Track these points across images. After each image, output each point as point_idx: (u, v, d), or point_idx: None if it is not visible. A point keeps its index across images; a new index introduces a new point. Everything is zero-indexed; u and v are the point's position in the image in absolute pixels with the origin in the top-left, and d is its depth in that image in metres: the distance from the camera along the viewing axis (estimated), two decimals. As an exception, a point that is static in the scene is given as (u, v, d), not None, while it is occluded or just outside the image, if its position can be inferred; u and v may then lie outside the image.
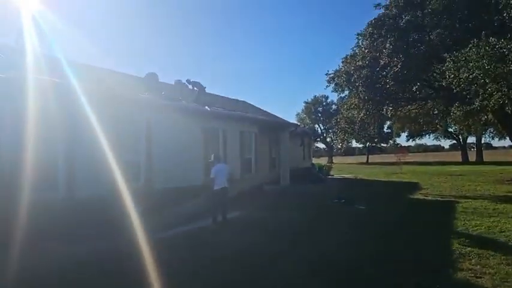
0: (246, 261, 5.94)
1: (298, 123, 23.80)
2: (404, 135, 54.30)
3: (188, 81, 15.26)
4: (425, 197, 13.80)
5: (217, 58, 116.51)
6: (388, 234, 7.64)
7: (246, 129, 15.33)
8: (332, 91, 21.78)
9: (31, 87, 7.23)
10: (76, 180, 7.95)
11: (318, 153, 66.69)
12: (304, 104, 67.77)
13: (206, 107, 12.87)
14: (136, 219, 7.03)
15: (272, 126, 18.85)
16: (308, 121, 66.01)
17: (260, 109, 29.52)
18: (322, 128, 66.13)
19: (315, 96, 66.18)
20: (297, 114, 70.01)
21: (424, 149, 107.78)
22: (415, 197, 14.14)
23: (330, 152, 66.54)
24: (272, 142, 19.91)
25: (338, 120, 32.09)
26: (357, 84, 17.53)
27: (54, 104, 7.46)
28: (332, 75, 20.86)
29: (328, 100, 65.17)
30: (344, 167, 38.94)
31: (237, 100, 27.95)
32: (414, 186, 17.60)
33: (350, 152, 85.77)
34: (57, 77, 8.08)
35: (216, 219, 8.73)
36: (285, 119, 23.43)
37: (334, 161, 54.49)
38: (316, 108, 66.52)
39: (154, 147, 10.23)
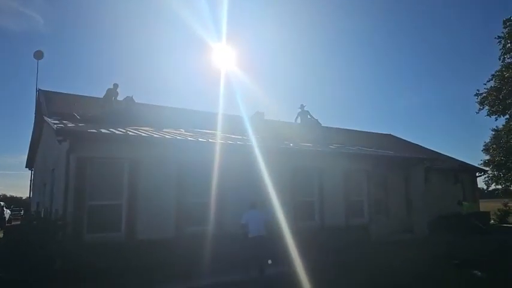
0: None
1: (436, 157, 19.18)
2: None
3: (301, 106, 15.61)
4: None
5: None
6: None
7: (353, 166, 13.39)
8: (486, 115, 16.95)
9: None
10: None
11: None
12: (492, 133, 55.46)
13: (290, 144, 11.94)
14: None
15: (398, 163, 15.93)
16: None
17: (411, 143, 25.57)
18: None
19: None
20: (485, 145, 57.80)
21: None
22: None
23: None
24: (409, 182, 17.10)
25: (491, 150, 24.53)
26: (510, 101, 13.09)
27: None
28: (485, 94, 16.34)
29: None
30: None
31: (382, 134, 25.04)
32: None
33: None
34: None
35: (249, 272, 7.66)
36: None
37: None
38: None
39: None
